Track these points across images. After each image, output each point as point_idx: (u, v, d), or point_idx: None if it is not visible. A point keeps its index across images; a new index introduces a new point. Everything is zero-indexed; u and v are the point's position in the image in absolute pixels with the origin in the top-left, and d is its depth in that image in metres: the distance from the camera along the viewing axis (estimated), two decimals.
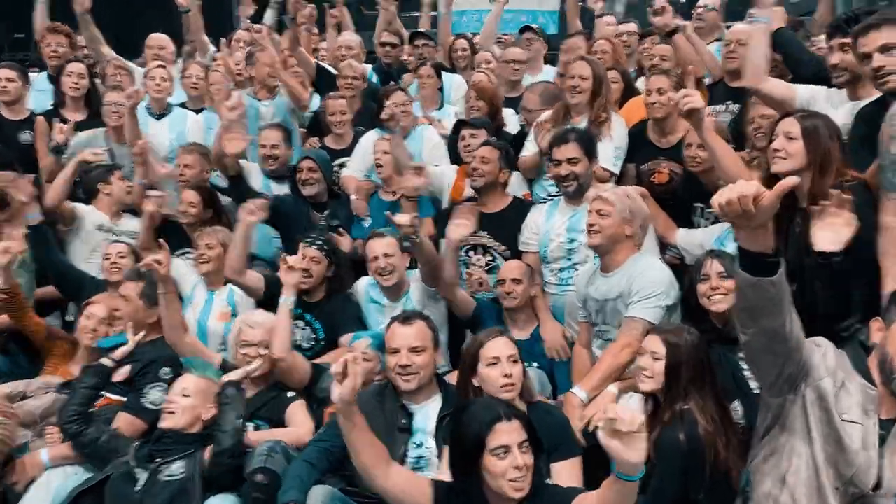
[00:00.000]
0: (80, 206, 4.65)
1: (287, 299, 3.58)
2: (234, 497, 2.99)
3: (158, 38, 6.04)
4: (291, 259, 3.68)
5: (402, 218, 3.62)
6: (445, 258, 3.74)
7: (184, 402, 3.16)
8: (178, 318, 3.63)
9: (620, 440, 1.95)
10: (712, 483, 2.64)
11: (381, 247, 3.85)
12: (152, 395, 3.44)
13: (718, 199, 1.94)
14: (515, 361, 2.90)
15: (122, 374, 3.55)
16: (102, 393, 3.51)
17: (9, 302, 3.84)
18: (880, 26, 2.95)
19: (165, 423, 3.16)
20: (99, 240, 4.56)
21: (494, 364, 2.87)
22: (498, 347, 2.90)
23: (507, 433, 2.29)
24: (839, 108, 3.39)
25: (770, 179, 2.99)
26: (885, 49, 2.92)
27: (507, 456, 2.27)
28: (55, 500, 3.08)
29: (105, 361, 3.51)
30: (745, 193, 1.90)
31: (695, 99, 3.15)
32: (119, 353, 3.54)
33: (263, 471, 2.88)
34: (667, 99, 3.90)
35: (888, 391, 2.26)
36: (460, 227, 3.71)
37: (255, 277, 4.04)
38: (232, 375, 3.26)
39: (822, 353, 2.32)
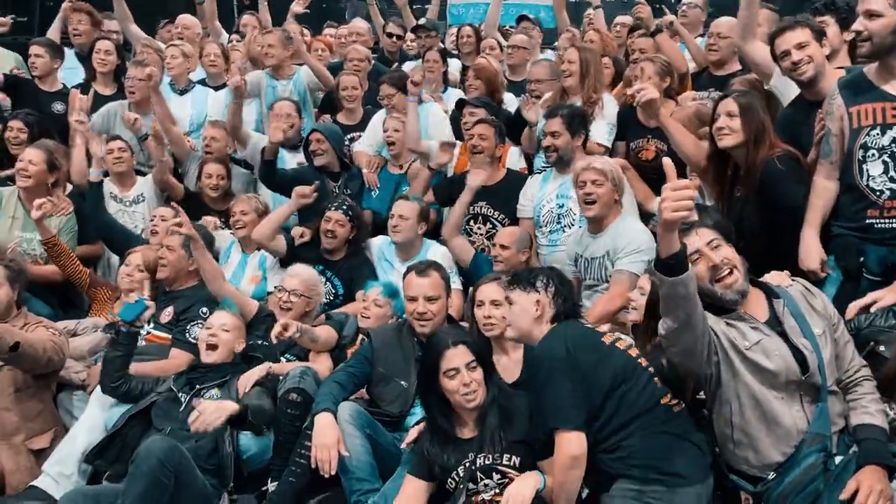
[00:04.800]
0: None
1: None
2: None
3: (184, 19, 6.41)
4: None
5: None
6: (460, 203, 4.21)
7: (224, 336, 3.49)
8: (214, 268, 3.95)
9: None
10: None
11: (398, 208, 4.26)
12: (195, 332, 3.76)
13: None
14: (497, 305, 3.21)
15: (167, 314, 3.92)
16: (150, 331, 3.89)
17: (51, 250, 4.19)
18: (794, 27, 3.35)
19: (209, 358, 3.46)
20: (114, 210, 4.81)
21: (480, 306, 3.28)
22: (483, 291, 3.30)
23: (455, 357, 2.74)
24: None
25: (718, 154, 3.41)
26: (800, 47, 3.31)
27: (456, 376, 2.72)
28: (109, 420, 3.43)
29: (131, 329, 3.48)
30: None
31: (648, 90, 3.54)
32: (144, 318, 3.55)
33: (297, 390, 3.24)
34: (652, 83, 4.22)
35: None
36: (478, 175, 4.19)
37: (279, 241, 4.39)
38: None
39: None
